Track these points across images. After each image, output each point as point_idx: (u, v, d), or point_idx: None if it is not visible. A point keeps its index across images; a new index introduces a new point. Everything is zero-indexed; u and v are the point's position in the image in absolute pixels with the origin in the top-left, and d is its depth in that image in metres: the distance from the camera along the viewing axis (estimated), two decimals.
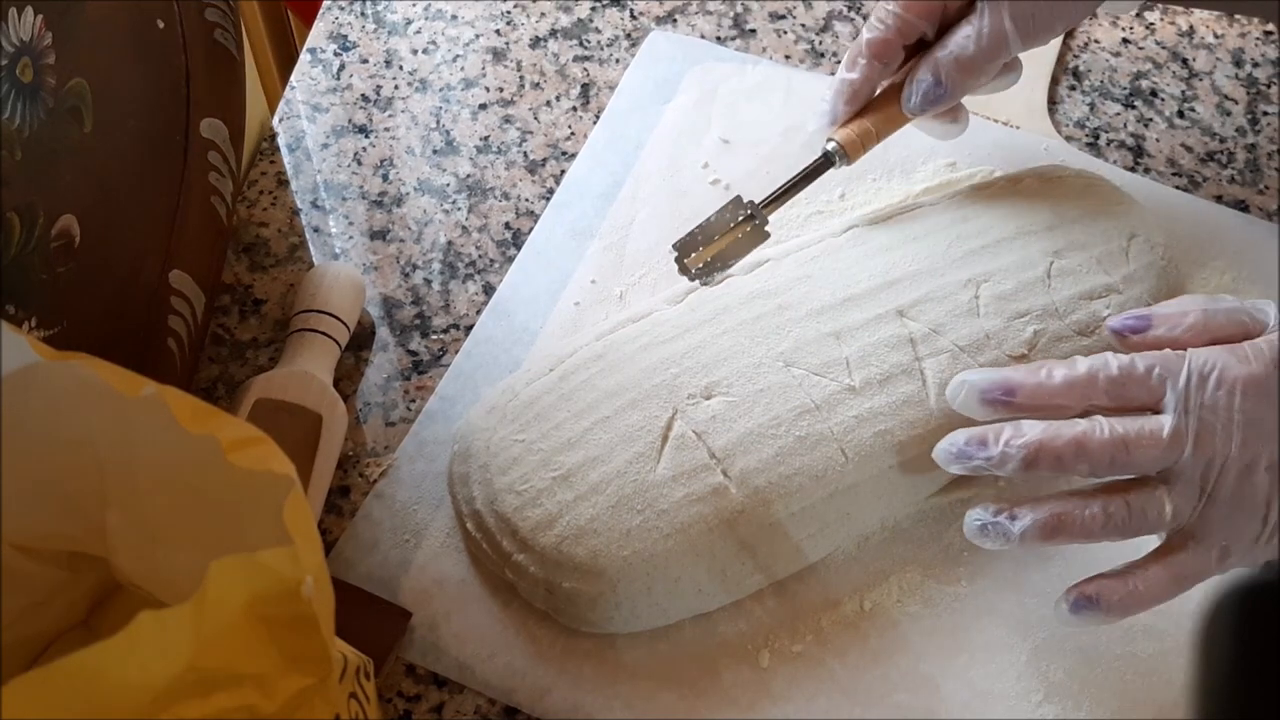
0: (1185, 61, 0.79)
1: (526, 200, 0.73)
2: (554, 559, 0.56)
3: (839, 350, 0.60)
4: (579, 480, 0.57)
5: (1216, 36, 0.80)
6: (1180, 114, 0.77)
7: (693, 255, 0.62)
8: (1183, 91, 0.78)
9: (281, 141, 0.76)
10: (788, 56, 0.79)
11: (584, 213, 0.72)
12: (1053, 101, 0.77)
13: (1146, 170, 0.75)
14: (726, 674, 0.57)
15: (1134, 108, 0.77)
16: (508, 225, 0.72)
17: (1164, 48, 0.80)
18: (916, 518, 0.61)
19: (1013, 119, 0.75)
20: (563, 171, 0.74)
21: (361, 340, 0.68)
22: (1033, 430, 0.53)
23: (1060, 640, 0.58)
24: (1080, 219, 0.65)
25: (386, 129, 0.76)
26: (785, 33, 0.80)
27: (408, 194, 0.73)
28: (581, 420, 0.58)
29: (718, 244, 0.63)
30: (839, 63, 0.78)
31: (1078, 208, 0.66)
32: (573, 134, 0.76)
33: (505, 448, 0.59)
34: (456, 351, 0.67)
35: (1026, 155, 0.72)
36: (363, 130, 0.76)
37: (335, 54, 0.79)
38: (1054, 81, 0.78)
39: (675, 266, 0.63)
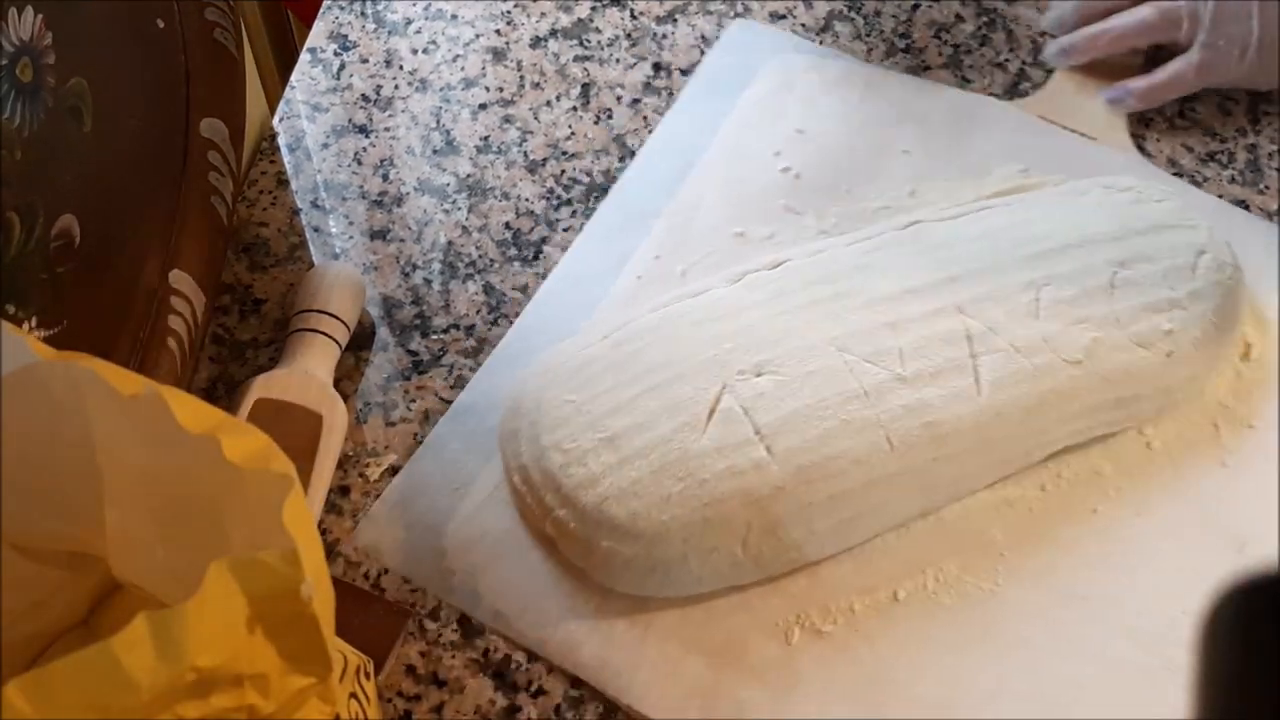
0: None
1: (527, 200, 0.73)
2: (594, 518, 0.56)
3: (893, 340, 0.60)
4: (624, 444, 0.57)
5: None
6: (1181, 114, 0.77)
7: None
8: None
9: (282, 141, 0.76)
10: None
11: (653, 190, 0.72)
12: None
13: None
14: (754, 647, 0.57)
15: None
16: (508, 225, 0.72)
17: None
18: (960, 512, 0.61)
19: (1090, 131, 0.75)
20: (563, 171, 0.74)
21: (361, 340, 0.68)
22: None
23: (1091, 646, 0.57)
24: (1149, 231, 0.64)
25: (386, 129, 0.76)
26: (785, 32, 0.80)
27: (408, 194, 0.73)
28: (631, 387, 0.59)
29: None
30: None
31: (1147, 220, 0.65)
32: (573, 134, 0.76)
33: (555, 407, 0.59)
34: (457, 351, 0.67)
35: (1100, 167, 0.71)
36: (363, 130, 0.76)
37: (335, 54, 0.79)
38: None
39: (738, 249, 0.65)
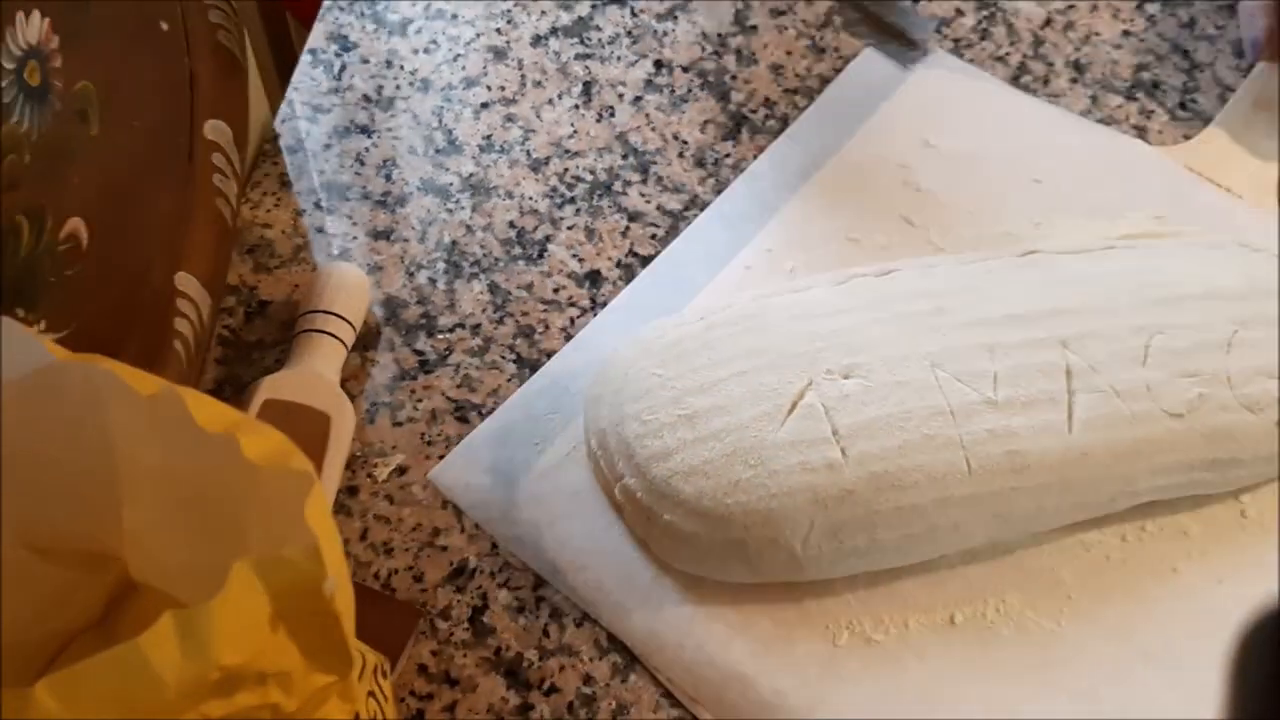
0: (1187, 53, 0.80)
1: (530, 199, 0.73)
2: (660, 490, 0.57)
3: (989, 364, 0.58)
4: (702, 424, 0.57)
5: (1218, 28, 0.81)
6: (1183, 105, 0.77)
7: None
8: (1184, 83, 0.78)
9: (284, 143, 0.76)
10: (789, 52, 0.79)
11: (776, 186, 0.73)
12: None
13: None
14: (801, 643, 0.57)
15: (1136, 99, 0.77)
16: (511, 224, 0.72)
17: (1165, 39, 0.80)
18: (1031, 546, 0.60)
19: (1236, 187, 0.73)
20: (566, 170, 0.74)
21: (367, 341, 0.68)
22: None
23: (1153, 704, 0.56)
24: (1277, 295, 0.62)
25: (389, 129, 0.76)
26: (786, 29, 0.81)
27: (411, 194, 0.73)
28: (718, 370, 0.59)
29: None
30: (840, 58, 0.79)
31: (1277, 284, 0.63)
32: (575, 132, 0.76)
33: (641, 378, 0.60)
34: (464, 351, 0.67)
35: (1242, 226, 0.70)
36: (365, 130, 0.76)
37: (336, 54, 0.79)
38: None
39: (850, 254, 0.66)
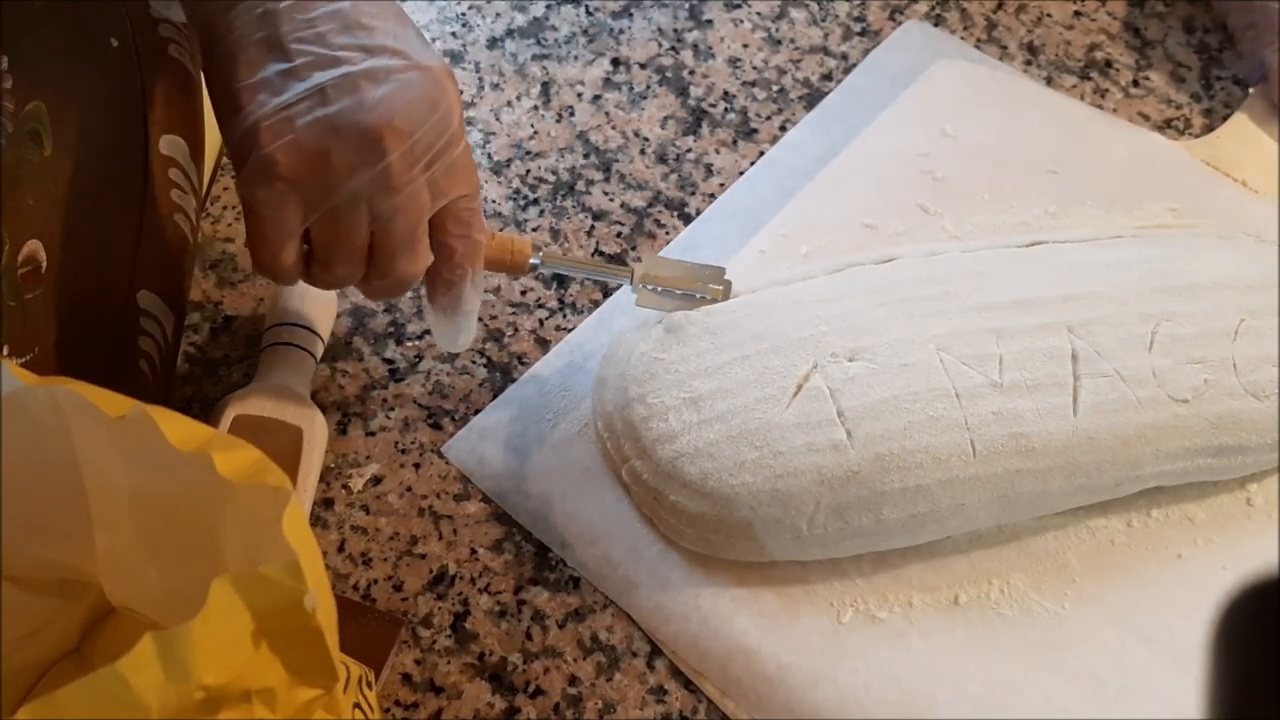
0: (1138, 31, 0.80)
1: (494, 201, 0.73)
2: (667, 471, 0.58)
3: (995, 347, 0.59)
4: (707, 407, 0.58)
5: (1167, 5, 0.81)
6: (1135, 83, 0.78)
7: (651, 276, 0.62)
8: (1136, 61, 0.79)
9: None
10: (745, 45, 0.79)
11: (794, 172, 0.73)
12: None
13: None
14: (806, 619, 0.58)
15: (1090, 79, 0.78)
16: None
17: (1116, 18, 0.81)
18: (1036, 530, 0.60)
19: (1254, 182, 0.73)
20: (528, 171, 0.74)
21: (336, 351, 0.67)
22: None
23: (1151, 687, 0.56)
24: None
25: None
26: (742, 22, 0.81)
27: None
28: (723, 354, 0.59)
29: (672, 280, 0.63)
30: (796, 49, 0.79)
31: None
32: (536, 133, 0.75)
33: (646, 363, 0.60)
34: (434, 357, 0.67)
35: (1256, 220, 0.70)
36: None
37: None
38: None
39: (866, 240, 0.66)
